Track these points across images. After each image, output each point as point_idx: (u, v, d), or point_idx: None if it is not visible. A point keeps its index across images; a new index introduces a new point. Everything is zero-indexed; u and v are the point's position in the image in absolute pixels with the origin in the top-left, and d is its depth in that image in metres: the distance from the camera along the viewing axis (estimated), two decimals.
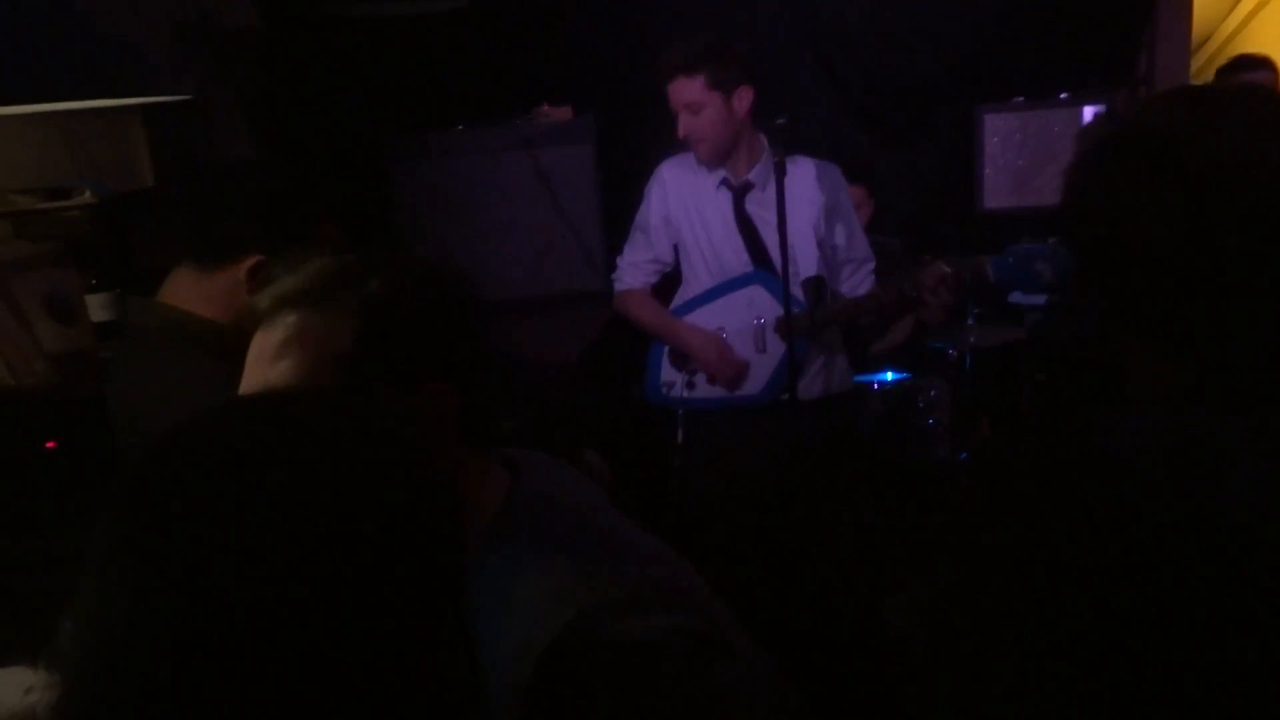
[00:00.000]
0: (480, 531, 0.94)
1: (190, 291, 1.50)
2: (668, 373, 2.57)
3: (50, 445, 2.03)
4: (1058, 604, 0.70)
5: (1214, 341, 0.76)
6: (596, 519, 0.98)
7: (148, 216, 2.50)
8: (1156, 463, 0.71)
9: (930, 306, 2.28)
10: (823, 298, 2.44)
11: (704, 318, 2.51)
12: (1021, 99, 3.63)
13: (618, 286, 2.66)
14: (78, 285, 2.33)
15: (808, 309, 2.38)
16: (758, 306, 2.44)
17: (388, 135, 3.50)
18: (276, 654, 0.53)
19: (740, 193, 2.44)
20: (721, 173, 2.45)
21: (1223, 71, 3.45)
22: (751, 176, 2.43)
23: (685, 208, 2.50)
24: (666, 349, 2.59)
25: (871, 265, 2.56)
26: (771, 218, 2.34)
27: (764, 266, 2.44)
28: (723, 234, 2.46)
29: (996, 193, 3.68)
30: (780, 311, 2.40)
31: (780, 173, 2.14)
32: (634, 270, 2.62)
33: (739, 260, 2.46)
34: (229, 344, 0.97)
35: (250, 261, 1.44)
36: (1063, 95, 3.60)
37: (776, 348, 2.44)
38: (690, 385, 2.52)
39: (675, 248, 2.56)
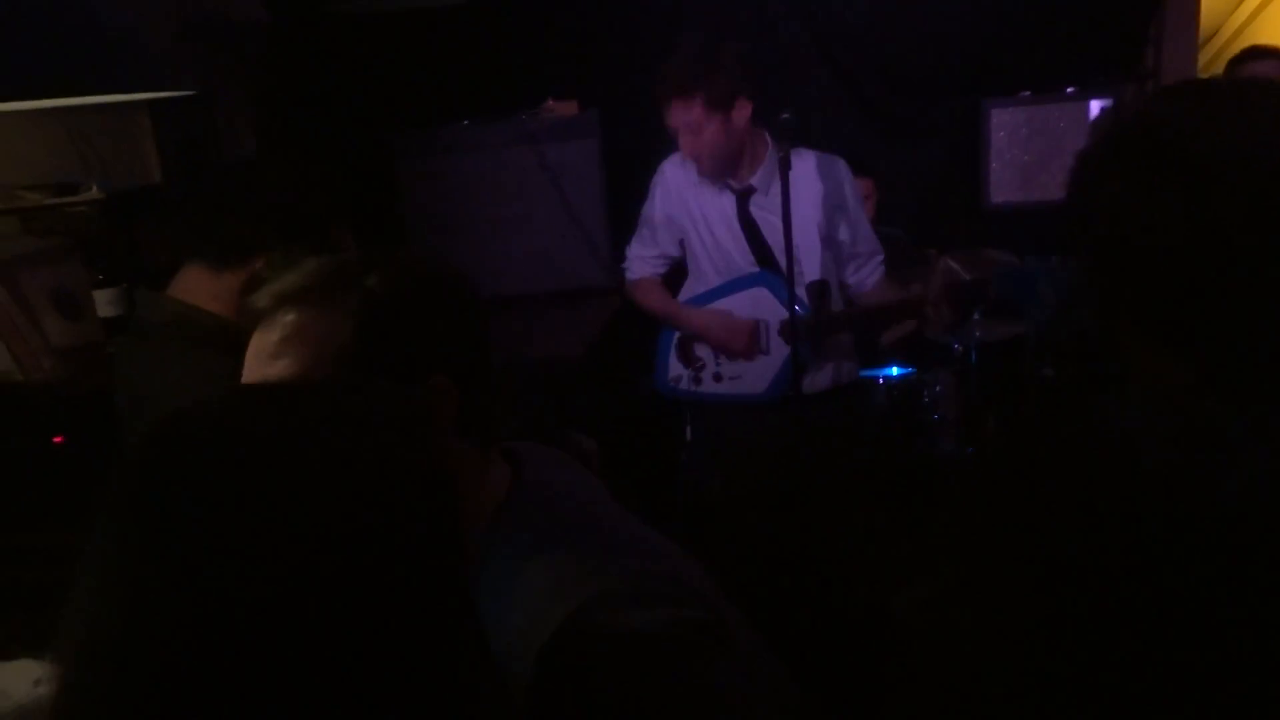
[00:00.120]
0: (482, 527, 0.94)
1: (200, 288, 1.51)
2: (675, 367, 2.58)
3: (58, 440, 2.05)
4: (1060, 596, 0.70)
5: (1216, 337, 0.76)
6: (599, 513, 0.99)
7: (155, 212, 2.51)
8: (1160, 453, 0.71)
9: (931, 321, 2.29)
10: (826, 302, 2.43)
11: None
12: (1028, 93, 3.62)
13: (628, 276, 2.68)
14: (85, 280, 2.34)
15: (811, 314, 2.38)
16: (762, 307, 2.44)
17: (393, 131, 3.51)
18: (274, 643, 0.54)
19: (743, 196, 2.44)
20: (725, 177, 2.44)
21: (1233, 62, 3.43)
22: (754, 180, 2.42)
23: (688, 208, 2.50)
24: (674, 343, 2.59)
25: (880, 258, 2.55)
26: (775, 220, 2.34)
27: (768, 268, 2.43)
28: (727, 235, 2.46)
29: (1002, 187, 3.67)
30: (784, 314, 2.41)
31: (785, 167, 2.14)
32: (641, 263, 2.63)
33: (744, 261, 2.46)
34: (237, 340, 0.97)
35: (261, 262, 1.45)
36: (1069, 89, 3.58)
37: (780, 349, 2.44)
38: (697, 380, 2.54)
39: (681, 242, 2.57)
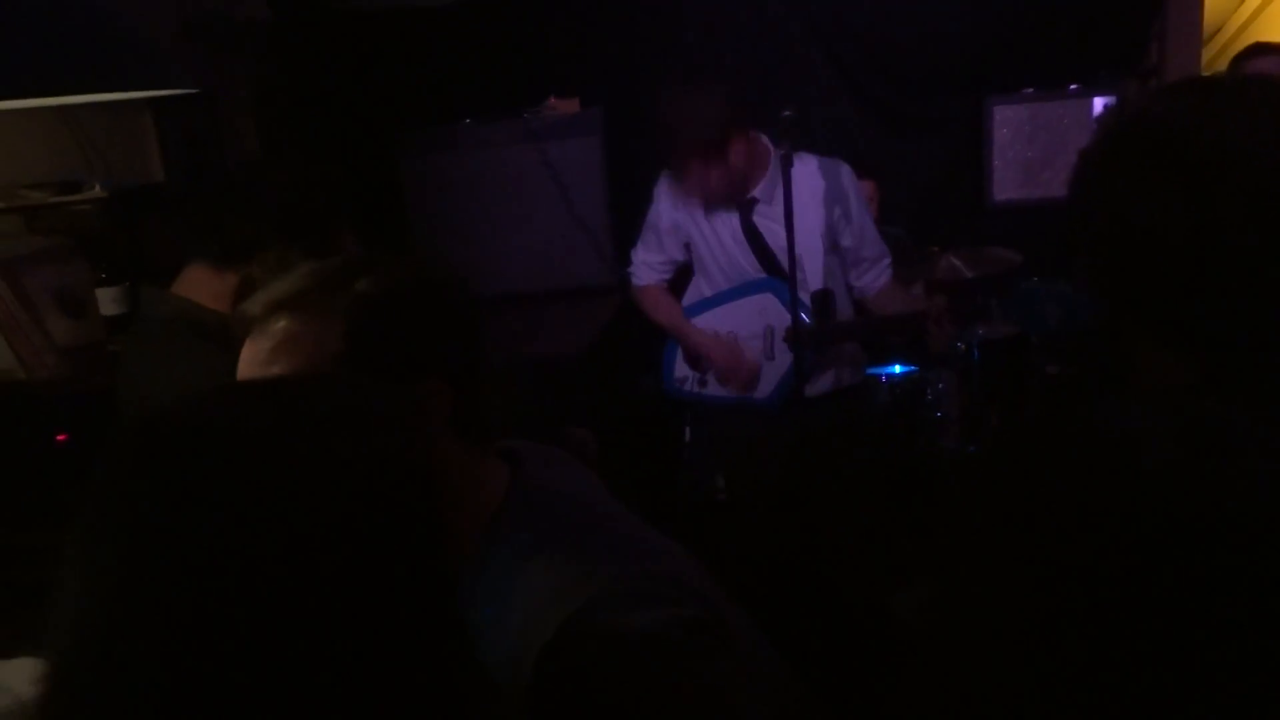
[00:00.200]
0: (480, 528, 0.94)
1: (203, 287, 1.52)
2: (681, 369, 2.60)
3: (61, 438, 2.05)
4: (1063, 595, 0.70)
5: (1218, 335, 0.76)
6: (598, 513, 0.99)
7: (158, 211, 2.52)
8: (1163, 453, 0.70)
9: (933, 338, 2.31)
10: (830, 312, 2.43)
11: (716, 320, 2.51)
12: (1031, 90, 3.61)
13: (634, 282, 2.67)
14: (87, 279, 2.34)
15: (815, 323, 2.37)
16: (768, 314, 2.44)
17: (395, 129, 3.51)
18: (257, 639, 0.54)
19: (746, 208, 2.43)
20: None
21: (1237, 59, 3.43)
22: (757, 193, 2.41)
23: (693, 217, 2.50)
24: (681, 346, 2.60)
25: (887, 261, 2.54)
26: (778, 228, 2.34)
27: (775, 273, 2.43)
28: (732, 244, 2.46)
29: (1006, 184, 3.66)
30: (789, 322, 2.41)
31: (787, 164, 2.13)
32: (647, 269, 2.63)
33: (750, 268, 2.46)
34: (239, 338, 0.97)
35: (256, 264, 1.46)
36: (1073, 86, 3.58)
37: (785, 355, 2.44)
38: (702, 383, 2.55)
39: (687, 246, 2.57)
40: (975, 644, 0.75)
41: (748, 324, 2.47)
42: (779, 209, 2.31)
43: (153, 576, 0.54)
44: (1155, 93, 0.84)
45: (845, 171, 2.45)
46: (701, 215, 2.48)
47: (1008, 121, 3.64)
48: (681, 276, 2.66)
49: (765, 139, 2.41)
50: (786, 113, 2.21)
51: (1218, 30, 4.48)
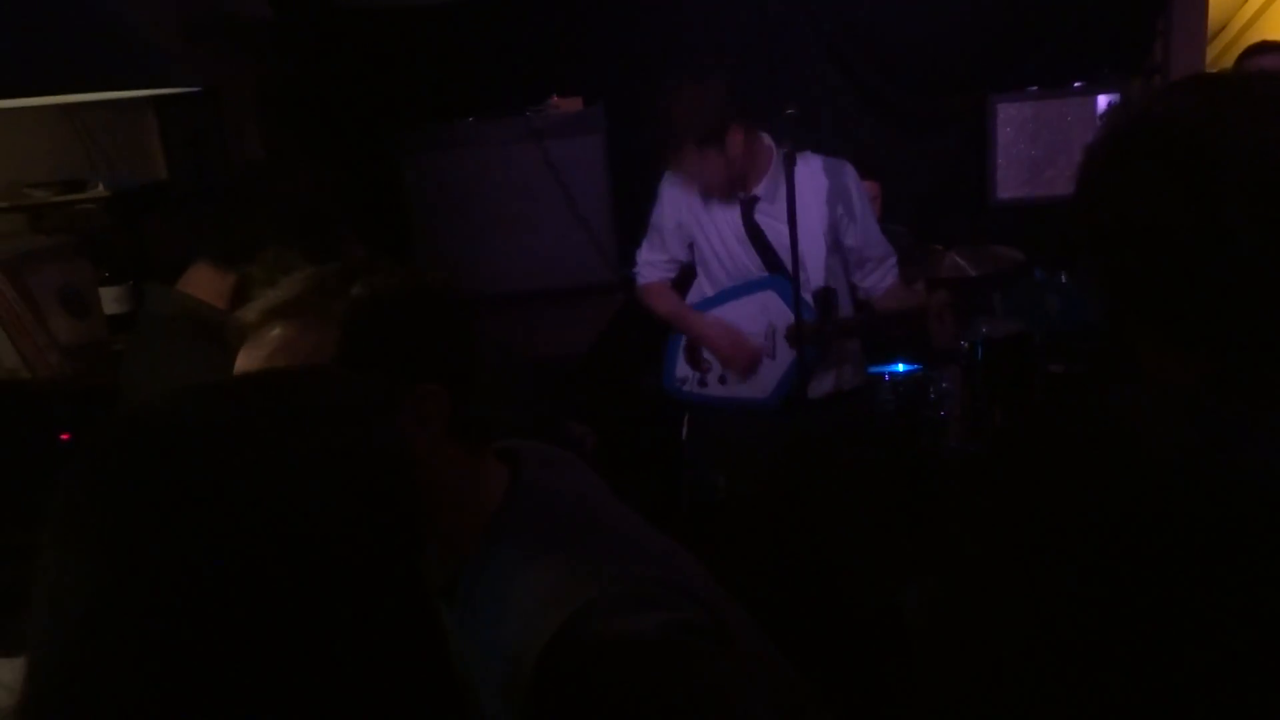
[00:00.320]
0: (480, 528, 0.94)
1: (208, 285, 1.54)
2: (682, 368, 2.59)
3: (65, 437, 2.05)
4: (1073, 588, 0.70)
5: (1222, 334, 0.76)
6: (598, 514, 0.99)
7: (164, 209, 2.52)
8: (1172, 447, 0.70)
9: (936, 335, 2.30)
10: (832, 309, 2.43)
11: (718, 317, 2.51)
12: (1035, 88, 3.60)
13: (638, 281, 2.68)
14: (91, 278, 2.35)
15: (817, 321, 2.37)
16: (771, 312, 2.44)
17: (398, 127, 3.51)
18: (228, 637, 0.54)
19: (748, 205, 2.43)
20: None
21: (1241, 57, 3.42)
22: (759, 190, 2.41)
23: (696, 216, 2.50)
24: (682, 345, 2.60)
25: (893, 260, 2.53)
26: (780, 227, 2.33)
27: (777, 272, 2.43)
28: (735, 242, 2.46)
29: (1009, 183, 3.66)
30: (792, 320, 2.40)
31: (790, 163, 2.13)
32: (651, 268, 2.64)
33: (753, 266, 2.46)
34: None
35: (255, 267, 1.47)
36: (1077, 84, 3.57)
37: (786, 354, 2.44)
38: (702, 383, 2.54)
39: (690, 246, 2.57)
40: (985, 639, 0.75)
41: (750, 322, 2.47)
42: (781, 207, 2.31)
43: (128, 573, 0.54)
44: (1160, 90, 0.84)
45: (849, 171, 2.45)
46: (704, 214, 2.48)
47: (1011, 119, 3.63)
48: (685, 279, 2.65)
49: (768, 138, 2.41)
50: (789, 111, 2.21)
51: (1222, 28, 4.46)
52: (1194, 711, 0.66)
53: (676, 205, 2.52)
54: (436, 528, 0.95)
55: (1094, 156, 0.81)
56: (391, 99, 3.54)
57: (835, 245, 2.43)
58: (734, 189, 2.40)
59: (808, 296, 2.36)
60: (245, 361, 0.91)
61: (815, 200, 2.38)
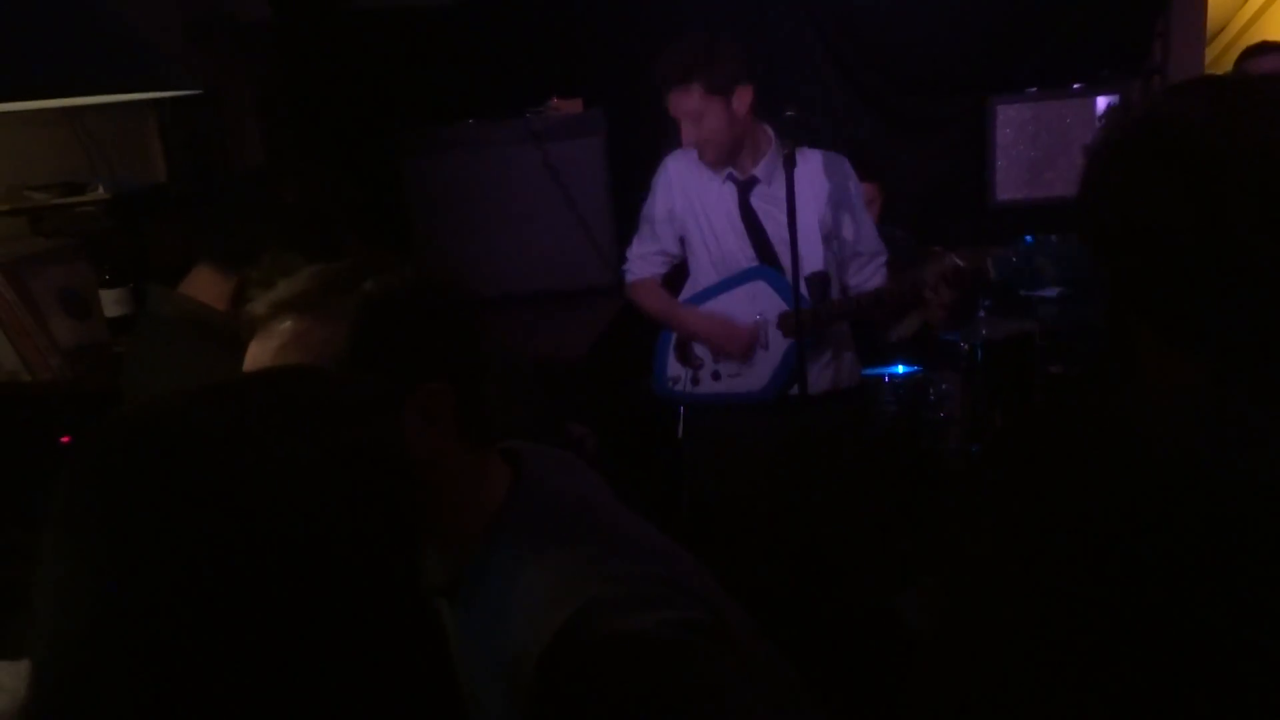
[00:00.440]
0: (482, 528, 0.94)
1: (211, 288, 1.54)
2: (673, 367, 2.58)
3: (65, 440, 2.05)
4: (1080, 588, 0.69)
5: (1225, 334, 0.76)
6: (600, 514, 0.99)
7: (165, 212, 2.52)
8: (1183, 444, 0.70)
9: (931, 305, 2.26)
10: (827, 294, 2.43)
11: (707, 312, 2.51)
12: (1034, 89, 3.61)
13: (627, 278, 2.66)
14: (91, 280, 2.35)
15: (812, 305, 2.37)
16: (760, 303, 2.43)
17: (398, 129, 3.51)
18: (227, 636, 0.54)
19: (745, 187, 2.43)
20: (727, 168, 2.44)
21: (1242, 58, 3.43)
22: (758, 172, 2.41)
23: (690, 201, 2.49)
24: (673, 344, 2.59)
25: (883, 259, 2.54)
26: (777, 213, 2.33)
27: (768, 262, 2.43)
28: (727, 228, 2.45)
29: (1009, 184, 3.66)
30: (782, 308, 2.40)
31: (790, 165, 2.13)
32: (642, 262, 2.62)
33: (743, 255, 2.45)
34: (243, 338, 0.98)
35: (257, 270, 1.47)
36: (1076, 86, 3.57)
37: (779, 344, 2.43)
38: (695, 380, 2.53)
39: (682, 240, 2.56)
40: (990, 641, 0.75)
41: (740, 314, 2.46)
42: (778, 191, 2.30)
43: (133, 575, 0.55)
44: (1163, 91, 0.84)
45: (846, 166, 2.47)
46: (698, 199, 2.47)
47: (1010, 121, 3.63)
48: (676, 279, 2.65)
49: (770, 129, 2.42)
50: (789, 113, 2.22)
51: (1221, 29, 4.47)
52: (1201, 712, 0.66)
53: (670, 192, 2.52)
54: (439, 526, 0.95)
55: (1097, 157, 0.82)
56: (391, 101, 3.54)
57: (829, 238, 2.43)
58: (728, 156, 2.39)
59: (801, 285, 2.35)
60: (255, 353, 0.91)
61: (814, 192, 2.38)
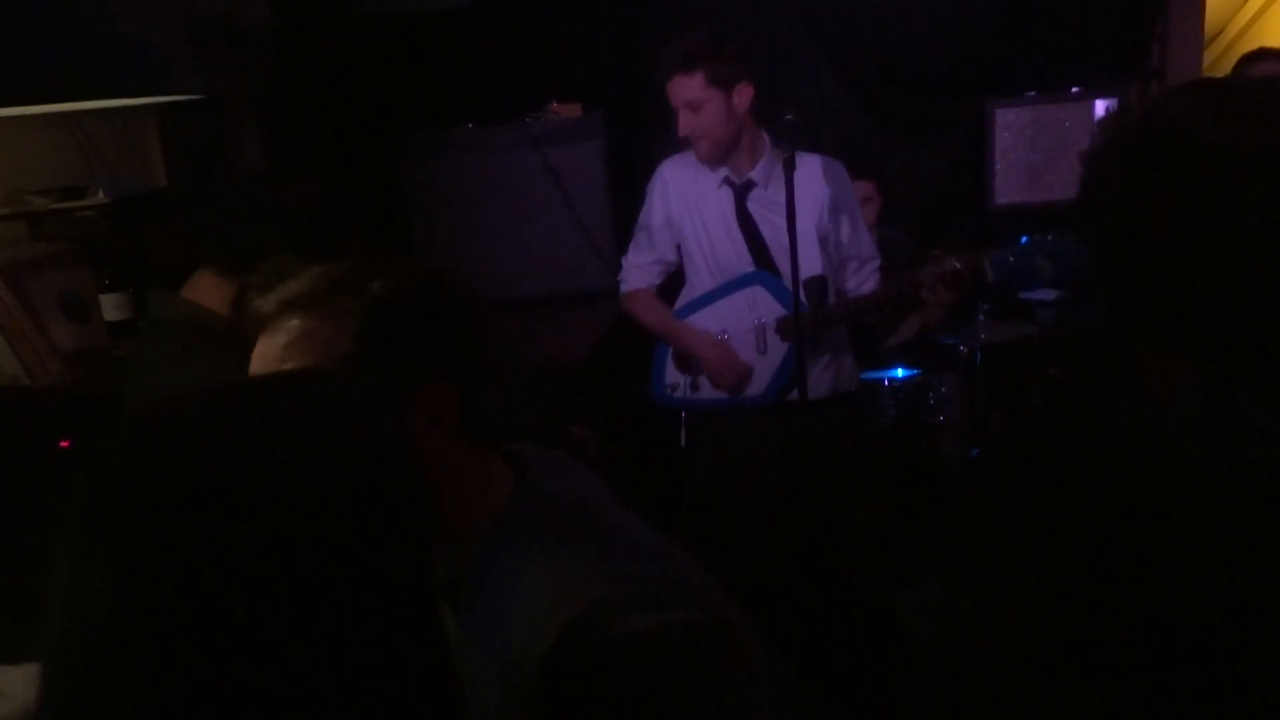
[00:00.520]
0: (485, 530, 0.95)
1: (213, 292, 1.54)
2: (672, 375, 2.58)
3: (65, 444, 2.05)
4: (1088, 591, 0.69)
5: (1227, 336, 0.76)
6: (601, 516, 0.99)
7: (167, 216, 2.52)
8: (1185, 443, 0.70)
9: (929, 306, 2.26)
10: (825, 298, 2.43)
11: (705, 319, 2.50)
12: (1033, 93, 3.61)
13: (623, 288, 2.65)
14: (91, 285, 2.35)
15: (810, 308, 2.37)
16: (758, 308, 2.43)
17: (398, 133, 3.51)
18: (242, 638, 0.54)
19: (742, 191, 2.43)
20: (724, 171, 2.43)
21: (1240, 64, 3.43)
22: (754, 175, 2.41)
23: (686, 207, 2.49)
24: (671, 351, 2.59)
25: (876, 263, 2.54)
26: (773, 217, 2.33)
27: (765, 266, 2.43)
28: (723, 233, 2.45)
29: (1008, 188, 3.66)
30: (780, 312, 2.40)
31: (790, 169, 2.13)
32: (638, 271, 2.61)
33: (740, 260, 2.44)
34: (247, 343, 0.98)
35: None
36: (1074, 89, 3.58)
37: (778, 349, 2.43)
38: (694, 387, 2.53)
39: (679, 247, 2.56)
40: (997, 646, 0.74)
41: (738, 320, 2.46)
42: (775, 196, 2.30)
43: (140, 576, 0.55)
44: (1163, 94, 0.84)
45: (842, 170, 2.47)
46: (694, 205, 2.47)
47: (1009, 124, 3.64)
48: (672, 286, 2.64)
49: (766, 135, 2.42)
50: (788, 117, 2.22)
51: (1219, 33, 4.48)
52: (1204, 714, 0.65)
53: (667, 199, 2.51)
54: (442, 527, 0.95)
55: (1096, 160, 0.82)
56: (391, 105, 3.54)
57: (825, 242, 2.43)
58: (724, 152, 2.39)
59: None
60: (262, 350, 0.91)
61: (812, 197, 2.38)
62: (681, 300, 2.58)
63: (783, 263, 2.37)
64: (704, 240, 2.48)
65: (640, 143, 3.21)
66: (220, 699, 0.53)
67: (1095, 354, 3.09)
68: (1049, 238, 2.02)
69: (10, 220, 2.35)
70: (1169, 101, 0.81)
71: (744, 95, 2.31)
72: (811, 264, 2.38)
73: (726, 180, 2.44)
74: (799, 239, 2.19)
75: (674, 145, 2.54)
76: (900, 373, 3.30)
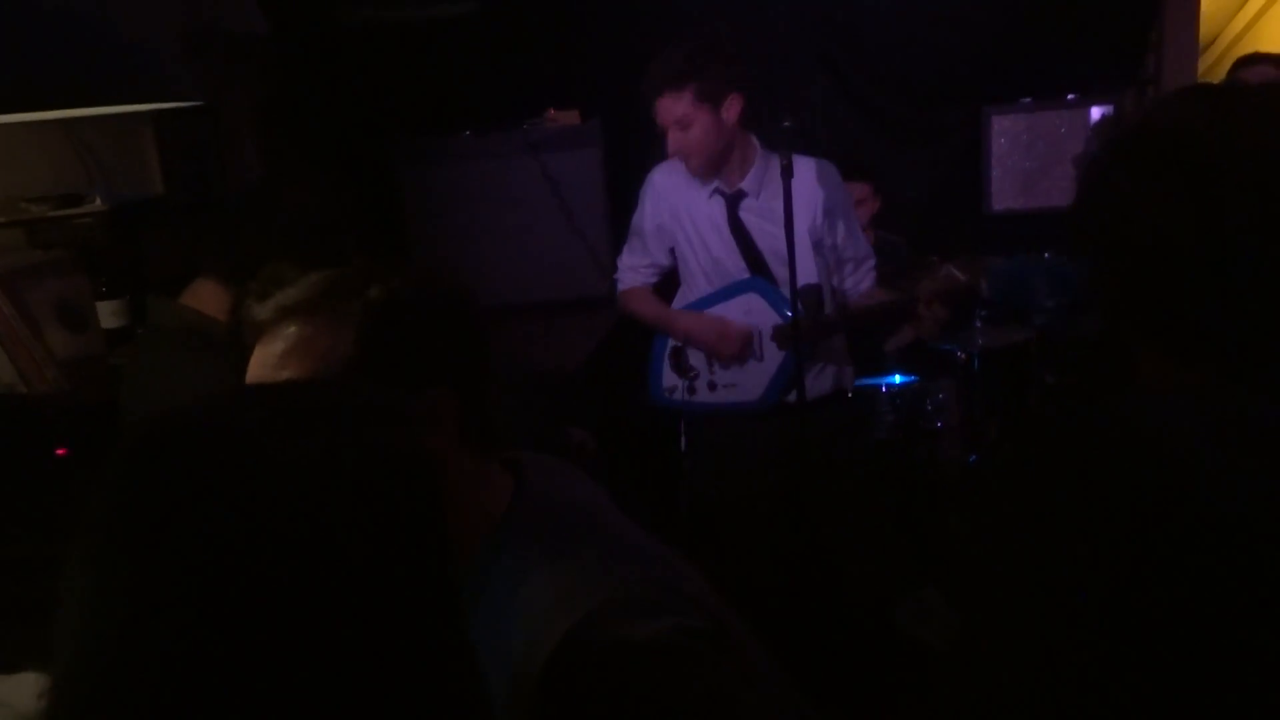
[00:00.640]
0: (484, 536, 0.94)
1: (213, 300, 1.55)
2: (669, 377, 2.58)
3: (61, 452, 2.04)
4: (1104, 595, 0.69)
5: (1226, 340, 0.76)
6: (601, 522, 0.99)
7: (166, 223, 2.52)
8: (1187, 444, 0.69)
9: (924, 321, 2.27)
10: (820, 306, 2.42)
11: None
12: (1029, 100, 3.62)
13: (619, 288, 2.67)
14: (88, 292, 2.34)
15: (806, 318, 2.37)
16: (754, 314, 2.43)
17: (395, 141, 3.52)
18: (260, 643, 0.54)
19: (734, 200, 2.41)
20: (715, 181, 2.42)
21: (1233, 69, 3.45)
22: (745, 184, 2.39)
23: (678, 215, 2.48)
24: (668, 353, 2.58)
25: (872, 263, 2.55)
26: (767, 225, 2.33)
27: (759, 273, 2.42)
28: (717, 241, 2.44)
29: (1004, 194, 3.67)
30: (776, 319, 2.40)
31: (787, 175, 2.13)
32: (633, 274, 2.62)
33: (735, 267, 2.44)
34: (247, 350, 0.97)
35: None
36: (1070, 96, 3.59)
37: (774, 355, 2.43)
38: (691, 390, 2.53)
39: (672, 251, 2.56)
40: (1013, 651, 0.74)
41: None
42: (766, 204, 2.30)
43: (158, 583, 0.54)
44: (1159, 99, 0.84)
45: (834, 172, 2.46)
46: (686, 213, 2.46)
47: (1005, 131, 3.65)
48: (668, 288, 2.65)
49: (755, 139, 2.40)
50: (786, 123, 2.22)
51: (1214, 40, 4.50)
52: (1208, 714, 0.65)
53: (658, 207, 2.51)
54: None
55: (1093, 166, 0.82)
56: (389, 112, 3.55)
57: (819, 246, 2.42)
58: (714, 166, 2.37)
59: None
60: (259, 358, 0.91)
61: (806, 201, 2.37)
62: (677, 303, 2.58)
63: (777, 270, 2.37)
64: (698, 246, 2.47)
65: (638, 149, 3.21)
66: (238, 707, 0.53)
67: (1093, 359, 3.09)
68: (1045, 255, 2.03)
69: (7, 228, 2.35)
70: (1166, 107, 0.81)
71: (733, 107, 2.29)
72: (806, 272, 2.37)
73: (717, 190, 2.43)
74: (795, 245, 2.19)
75: (666, 152, 2.54)
76: (898, 379, 3.30)
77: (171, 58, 2.75)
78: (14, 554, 1.68)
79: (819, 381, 2.48)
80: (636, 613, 0.85)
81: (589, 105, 3.52)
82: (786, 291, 2.24)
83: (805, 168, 2.38)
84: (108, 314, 2.32)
